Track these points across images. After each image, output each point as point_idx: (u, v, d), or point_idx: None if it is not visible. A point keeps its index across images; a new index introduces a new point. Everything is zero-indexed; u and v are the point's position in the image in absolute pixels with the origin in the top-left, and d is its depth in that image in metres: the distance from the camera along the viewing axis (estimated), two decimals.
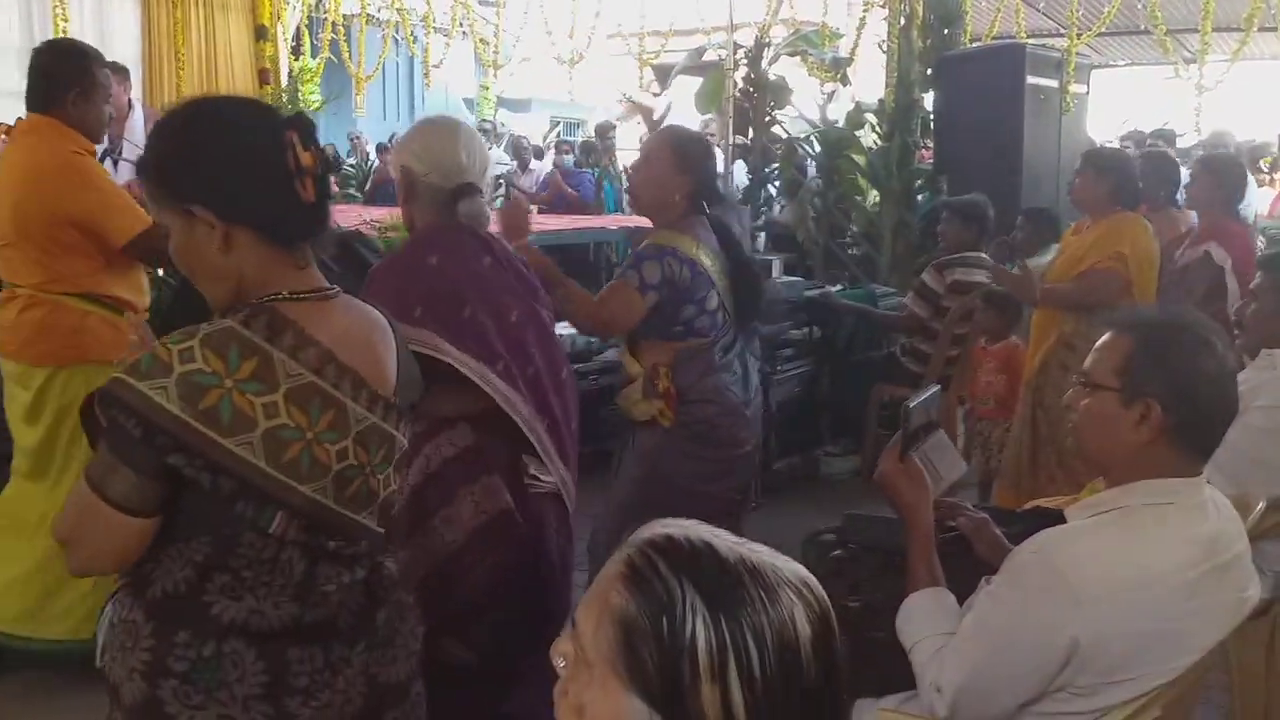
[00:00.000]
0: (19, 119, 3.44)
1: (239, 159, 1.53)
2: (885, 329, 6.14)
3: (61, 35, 8.68)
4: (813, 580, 1.01)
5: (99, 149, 6.06)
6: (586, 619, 0.98)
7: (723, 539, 1.00)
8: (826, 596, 1.01)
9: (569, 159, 10.98)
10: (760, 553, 1.00)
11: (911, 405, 2.11)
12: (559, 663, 1.01)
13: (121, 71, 6.71)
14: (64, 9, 9.03)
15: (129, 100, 6.59)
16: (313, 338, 1.51)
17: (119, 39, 9.68)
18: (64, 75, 3.36)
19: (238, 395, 1.44)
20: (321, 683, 1.56)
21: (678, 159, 3.18)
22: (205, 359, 1.44)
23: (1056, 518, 2.07)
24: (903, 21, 7.99)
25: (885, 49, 8.22)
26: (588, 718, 0.97)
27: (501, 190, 11.19)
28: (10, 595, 3.41)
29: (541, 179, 10.98)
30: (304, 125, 1.56)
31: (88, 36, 9.15)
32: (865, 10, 9.14)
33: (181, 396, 1.42)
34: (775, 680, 0.94)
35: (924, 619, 1.95)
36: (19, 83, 3.48)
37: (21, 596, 3.40)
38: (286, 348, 1.48)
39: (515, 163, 11.11)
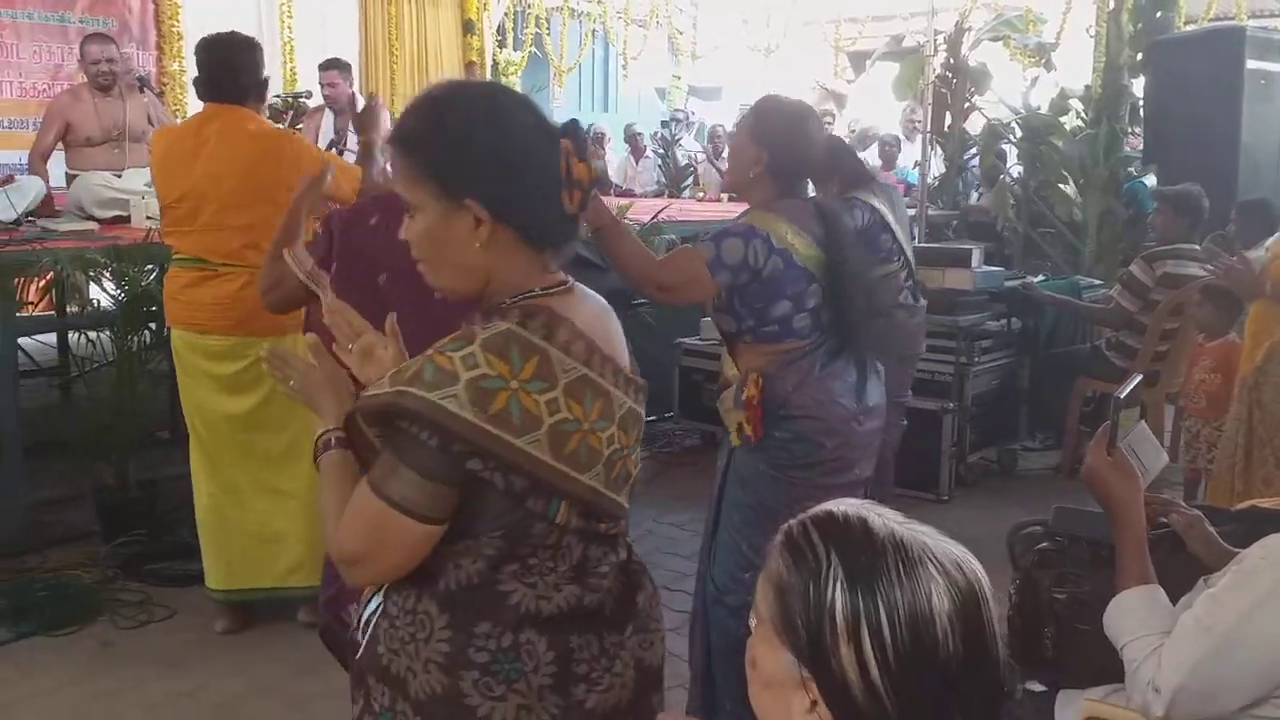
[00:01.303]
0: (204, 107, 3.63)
1: (525, 162, 1.51)
2: (1089, 322, 5.98)
3: (287, 33, 9.24)
4: (967, 562, 1.05)
5: (327, 139, 6.42)
6: (760, 583, 1.09)
7: (882, 517, 1.07)
8: (981, 578, 1.05)
9: None
10: (916, 531, 1.06)
11: (1120, 396, 2.09)
12: (752, 622, 1.11)
13: (344, 67, 7.14)
14: (290, 6, 9.59)
15: (352, 94, 6.99)
16: (581, 331, 1.51)
17: (339, 36, 10.20)
18: (255, 69, 3.63)
19: (524, 395, 1.44)
20: (601, 669, 1.54)
21: (755, 128, 2.85)
22: (489, 363, 1.43)
23: (1274, 517, 2.04)
24: (1112, 4, 7.73)
25: (1093, 33, 7.97)
26: (759, 669, 1.09)
27: (691, 179, 11.32)
28: (264, 558, 3.70)
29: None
30: (579, 136, 1.55)
31: (311, 34, 9.70)
32: None
33: (473, 402, 1.41)
34: (906, 649, 1.00)
35: (1136, 617, 1.93)
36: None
37: (283, 555, 3.69)
38: (561, 344, 1.48)
39: (710, 147, 11.18)
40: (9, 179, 5.16)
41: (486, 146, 1.50)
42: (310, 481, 3.54)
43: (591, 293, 1.66)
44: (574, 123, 1.58)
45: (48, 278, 4.92)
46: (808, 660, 1.02)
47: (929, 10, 7.69)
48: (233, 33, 3.66)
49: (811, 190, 2.99)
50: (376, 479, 1.46)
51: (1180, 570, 2.07)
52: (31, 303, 5.61)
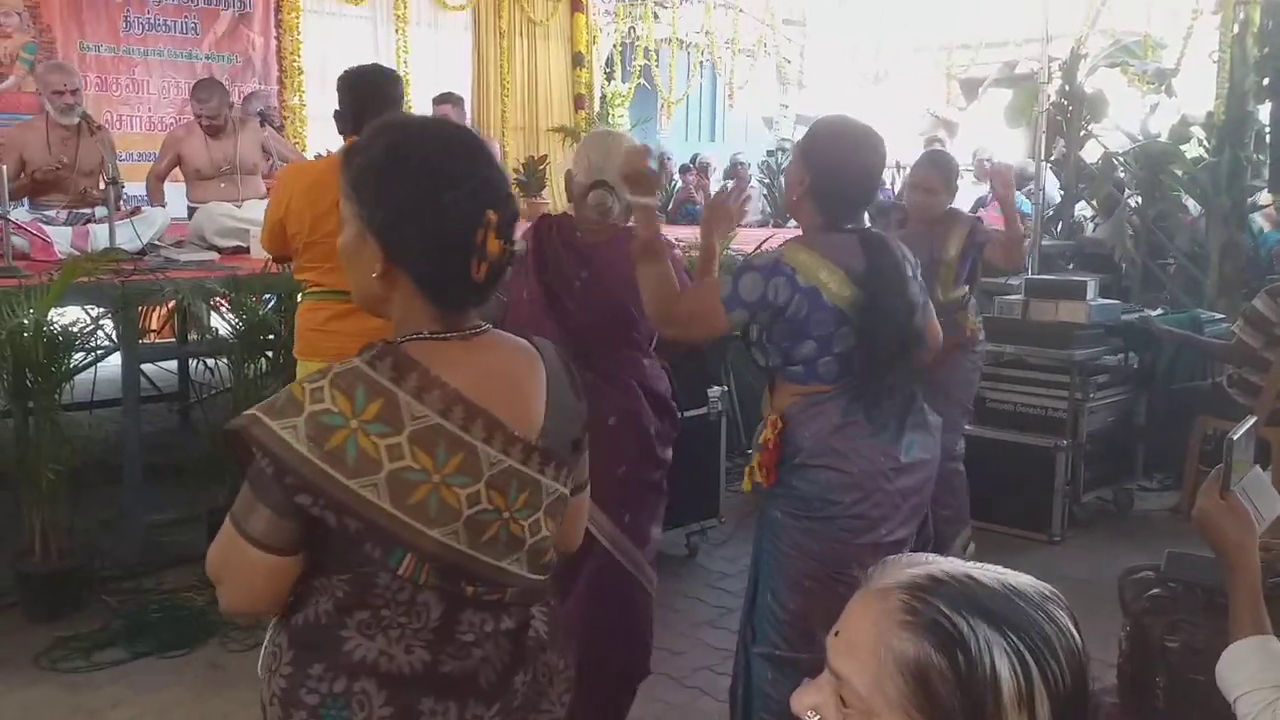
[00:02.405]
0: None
1: (426, 217, 1.48)
2: (1210, 357, 5.78)
3: (403, 67, 9.48)
4: (1053, 589, 1.02)
5: None
6: (857, 670, 1.00)
7: (974, 567, 1.02)
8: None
9: None
10: (1009, 574, 1.01)
11: (1234, 438, 2.01)
12: (810, 716, 1.03)
13: (457, 100, 7.29)
14: (406, 43, 9.86)
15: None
16: (439, 379, 1.46)
17: (453, 69, 10.41)
18: (401, 102, 3.62)
19: (363, 436, 1.40)
20: None
21: (805, 147, 2.67)
22: (334, 399, 1.41)
23: None
24: (1236, 28, 7.49)
25: (1215, 59, 7.73)
26: None
27: None
28: None
29: None
30: (508, 210, 1.51)
31: (425, 68, 9.92)
32: (1193, 19, 8.62)
33: (309, 436, 1.40)
34: (1073, 690, 0.96)
35: (1249, 669, 1.85)
36: None
37: None
38: (411, 389, 1.44)
39: None
40: (137, 210, 5.38)
41: (392, 189, 1.48)
42: None
43: (509, 341, 1.61)
44: (508, 197, 1.55)
45: (170, 306, 5.11)
46: None
47: (1043, 36, 7.56)
48: (375, 65, 3.64)
49: (868, 221, 2.80)
50: (235, 503, 1.47)
51: None
52: (154, 330, 5.84)
